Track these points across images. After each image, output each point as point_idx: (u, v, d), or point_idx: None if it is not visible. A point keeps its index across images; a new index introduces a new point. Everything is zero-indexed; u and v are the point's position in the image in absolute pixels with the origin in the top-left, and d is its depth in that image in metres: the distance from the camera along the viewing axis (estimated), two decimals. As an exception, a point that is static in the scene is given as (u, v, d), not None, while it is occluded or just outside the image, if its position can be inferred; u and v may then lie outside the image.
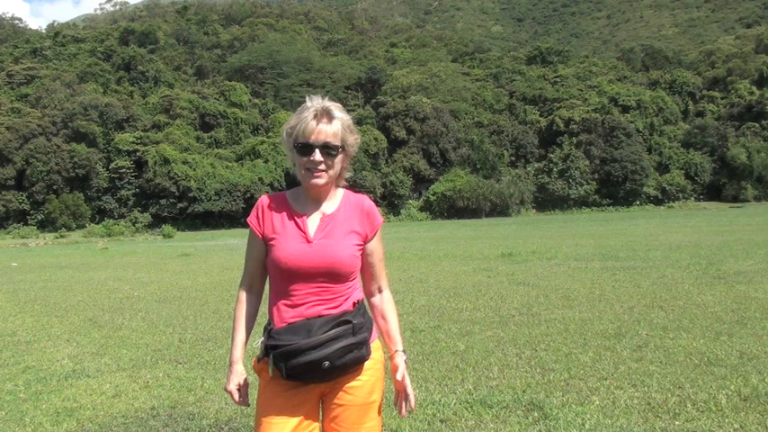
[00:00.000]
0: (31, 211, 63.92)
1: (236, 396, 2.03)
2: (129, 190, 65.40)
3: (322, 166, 1.97)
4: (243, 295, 2.11)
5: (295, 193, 2.11)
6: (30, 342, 6.85)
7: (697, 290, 8.31)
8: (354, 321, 1.97)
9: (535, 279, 10.28)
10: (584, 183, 75.74)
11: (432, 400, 4.13)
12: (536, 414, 3.80)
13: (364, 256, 2.10)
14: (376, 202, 71.36)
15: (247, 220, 2.10)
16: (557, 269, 11.69)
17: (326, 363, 1.90)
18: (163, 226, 54.35)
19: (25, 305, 9.92)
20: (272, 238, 2.02)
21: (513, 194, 72.74)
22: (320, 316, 1.96)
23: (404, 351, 2.14)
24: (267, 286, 2.12)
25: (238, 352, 2.06)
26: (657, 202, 76.34)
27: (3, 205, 62.93)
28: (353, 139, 2.04)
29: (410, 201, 74.37)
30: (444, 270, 12.56)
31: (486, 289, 9.35)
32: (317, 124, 1.96)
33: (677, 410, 3.76)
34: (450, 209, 71.43)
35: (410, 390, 2.06)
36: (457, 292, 9.21)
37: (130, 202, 65.36)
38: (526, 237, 24.91)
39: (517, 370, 4.79)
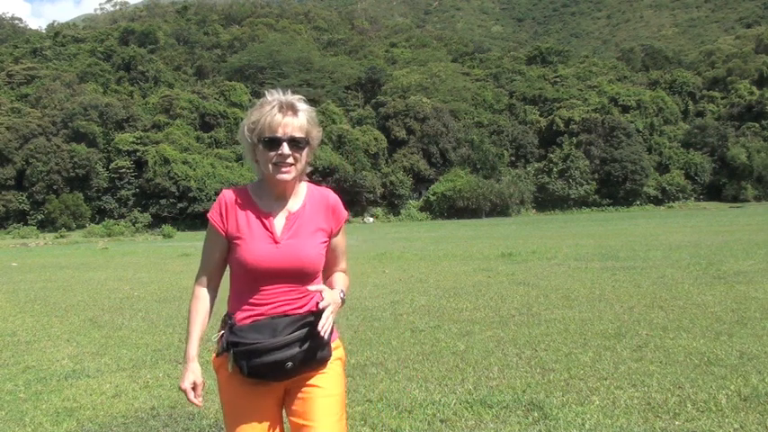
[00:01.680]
0: (31, 211, 63.91)
1: (191, 395, 1.96)
2: (129, 190, 65.39)
3: (290, 160, 1.93)
4: (199, 290, 2.05)
5: (257, 187, 2.05)
6: (30, 342, 6.85)
7: (697, 290, 8.31)
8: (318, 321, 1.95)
9: (535, 279, 10.28)
10: (585, 183, 75.74)
11: (432, 400, 4.13)
12: (536, 414, 3.80)
13: (329, 250, 2.08)
14: (376, 201, 71.75)
15: (208, 215, 2.03)
16: (557, 269, 11.69)
17: (290, 363, 1.89)
18: (163, 226, 54.35)
19: (25, 305, 9.92)
20: (237, 238, 1.97)
21: (513, 194, 72.73)
22: (285, 315, 1.94)
23: (342, 293, 2.07)
24: (226, 277, 2.09)
25: (194, 349, 2.00)
26: (657, 202, 76.32)
27: (3, 205, 62.93)
28: (317, 132, 2.01)
29: (410, 201, 74.36)
30: (444, 270, 12.56)
31: (486, 289, 9.35)
32: (283, 117, 1.93)
33: (677, 410, 3.76)
34: (450, 209, 71.41)
35: (325, 319, 1.89)
36: (457, 292, 9.21)
37: (130, 202, 65.35)
38: (526, 237, 24.91)
39: (517, 370, 4.79)
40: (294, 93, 2.00)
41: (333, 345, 2.03)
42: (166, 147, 65.22)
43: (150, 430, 3.91)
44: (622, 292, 8.40)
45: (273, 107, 1.93)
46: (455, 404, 4.04)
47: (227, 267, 2.07)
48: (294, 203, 2.03)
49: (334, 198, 2.09)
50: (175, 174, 63.18)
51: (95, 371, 5.40)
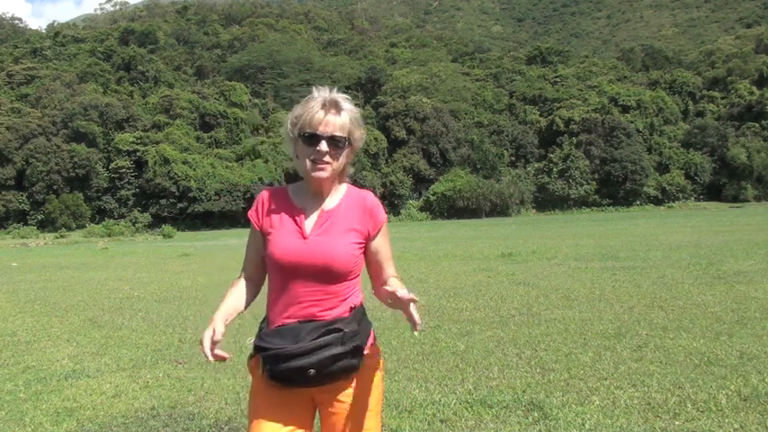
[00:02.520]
0: (31, 211, 63.93)
1: (206, 343, 1.88)
2: (129, 190, 65.41)
3: (327, 158, 1.91)
4: (237, 281, 2.07)
5: (297, 186, 2.06)
6: (30, 342, 6.85)
7: (697, 290, 8.30)
8: (346, 330, 1.90)
9: (535, 279, 10.28)
10: (585, 183, 75.75)
11: (432, 400, 4.13)
12: (536, 414, 3.80)
13: (369, 254, 2.04)
14: (376, 201, 71.75)
15: (248, 213, 2.08)
16: (557, 269, 11.68)
17: (312, 371, 1.84)
18: (163, 226, 54.35)
19: (25, 305, 9.91)
20: (269, 233, 1.98)
21: (513, 194, 72.75)
22: (313, 318, 1.91)
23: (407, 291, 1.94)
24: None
25: (220, 312, 1.96)
26: (657, 202, 76.34)
27: (3, 205, 62.96)
28: (360, 134, 1.99)
29: (410, 201, 74.38)
30: (444, 270, 12.56)
31: (486, 289, 9.35)
32: (325, 115, 1.91)
33: (677, 410, 3.76)
34: (450, 209, 71.43)
35: (413, 312, 1.85)
36: (457, 292, 9.21)
37: (130, 202, 65.37)
38: (526, 237, 24.91)
39: (517, 370, 4.79)
40: (325, 87, 1.98)
41: (367, 353, 1.97)
42: (166, 147, 65.24)
43: (150, 430, 3.91)
44: (622, 292, 8.40)
45: (317, 103, 1.93)
46: (455, 404, 4.04)
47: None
48: (330, 202, 2.01)
49: (372, 200, 2.04)
50: (175, 174, 63.20)
51: (95, 371, 5.40)
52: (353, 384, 1.96)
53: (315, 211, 1.99)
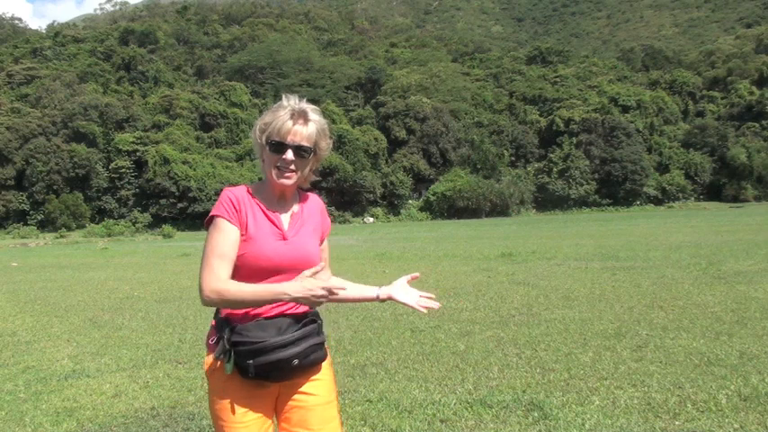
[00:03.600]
0: (31, 211, 63.92)
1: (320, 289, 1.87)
2: (129, 190, 65.40)
3: (293, 167, 1.98)
4: (230, 282, 1.92)
5: (258, 188, 2.07)
6: (30, 342, 6.85)
7: (697, 290, 8.30)
8: (318, 321, 1.99)
9: (535, 279, 10.28)
10: (585, 183, 75.73)
11: (432, 400, 4.13)
12: (536, 414, 3.80)
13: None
14: (376, 202, 71.76)
15: (217, 213, 1.96)
16: (557, 269, 11.68)
17: (296, 360, 1.89)
18: (163, 226, 54.31)
19: (25, 305, 9.92)
20: (248, 234, 1.97)
21: (513, 194, 72.72)
22: (284, 314, 1.95)
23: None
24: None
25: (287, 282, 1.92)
26: (657, 202, 76.31)
27: (3, 205, 62.95)
28: (326, 144, 2.05)
29: (410, 201, 74.35)
30: (444, 270, 12.56)
31: (486, 289, 9.35)
32: (293, 125, 1.97)
33: (677, 410, 3.76)
34: (450, 209, 71.40)
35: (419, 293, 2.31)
36: (457, 292, 9.21)
37: (130, 202, 65.36)
38: (526, 237, 24.90)
39: (517, 370, 4.79)
40: (302, 97, 2.04)
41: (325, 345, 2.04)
42: (166, 147, 65.23)
43: (150, 430, 3.91)
44: (622, 292, 8.40)
45: (286, 113, 1.97)
46: (455, 404, 4.04)
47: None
48: (295, 205, 2.10)
49: (323, 203, 2.21)
50: (175, 174, 63.20)
51: (95, 371, 5.40)
52: (318, 375, 2.02)
53: (285, 213, 2.06)
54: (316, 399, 2.00)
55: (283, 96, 2.02)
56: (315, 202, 2.16)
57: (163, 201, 63.56)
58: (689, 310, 6.93)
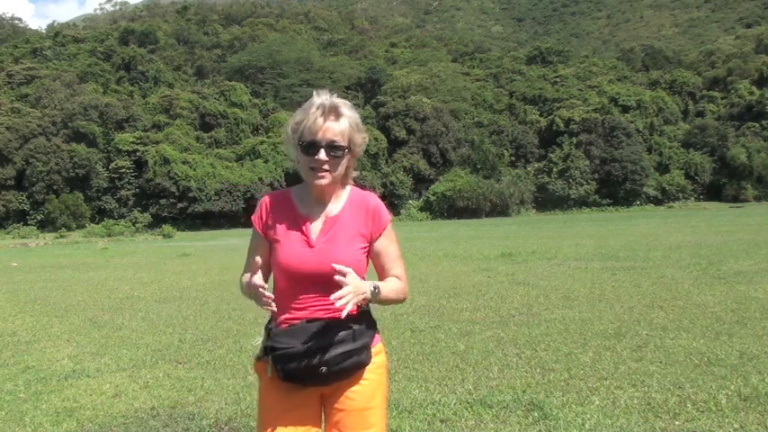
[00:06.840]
0: (31, 211, 63.88)
1: (256, 280, 1.85)
2: (129, 190, 65.37)
3: (326, 166, 1.92)
4: (245, 275, 1.98)
5: (300, 190, 2.05)
6: (30, 342, 6.85)
7: (697, 290, 8.30)
8: (355, 327, 1.91)
9: (535, 279, 10.28)
10: (584, 183, 75.68)
11: (432, 400, 4.13)
12: (536, 414, 3.80)
13: (372, 256, 2.04)
14: (376, 202, 71.79)
15: (252, 218, 2.06)
16: (557, 269, 11.68)
17: (324, 368, 1.87)
18: (163, 226, 54.29)
19: (25, 305, 9.91)
20: (275, 240, 1.98)
21: (513, 194, 72.69)
22: (318, 319, 1.92)
23: (375, 288, 1.92)
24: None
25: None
26: (657, 202, 76.27)
27: (3, 205, 62.91)
28: (361, 139, 1.99)
29: (410, 201, 74.32)
30: (444, 270, 12.55)
31: (486, 289, 9.35)
32: (324, 122, 1.91)
33: (677, 410, 3.76)
34: (450, 209, 71.36)
35: (342, 293, 1.79)
36: (457, 292, 9.21)
37: (130, 202, 65.33)
38: (526, 237, 24.90)
39: (517, 370, 4.79)
40: (325, 91, 1.97)
41: (373, 350, 1.99)
42: (166, 147, 65.20)
43: (150, 430, 3.91)
44: (622, 292, 8.40)
45: (317, 110, 1.92)
46: (455, 404, 4.04)
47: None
48: (334, 207, 2.01)
49: (375, 202, 2.05)
50: (175, 174, 63.17)
51: (95, 371, 5.40)
52: (361, 381, 1.98)
53: (319, 218, 1.99)
54: (353, 404, 1.96)
55: (314, 92, 1.97)
56: (362, 201, 2.03)
57: (163, 201, 63.53)
58: (689, 310, 6.93)
